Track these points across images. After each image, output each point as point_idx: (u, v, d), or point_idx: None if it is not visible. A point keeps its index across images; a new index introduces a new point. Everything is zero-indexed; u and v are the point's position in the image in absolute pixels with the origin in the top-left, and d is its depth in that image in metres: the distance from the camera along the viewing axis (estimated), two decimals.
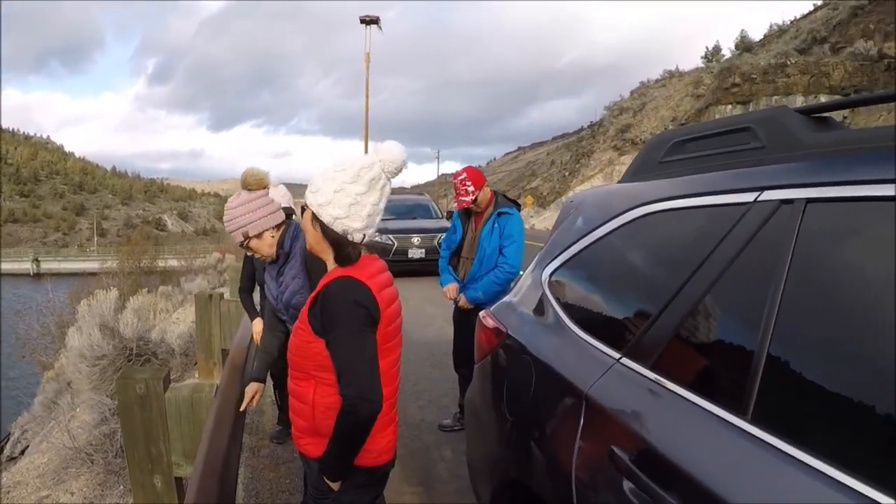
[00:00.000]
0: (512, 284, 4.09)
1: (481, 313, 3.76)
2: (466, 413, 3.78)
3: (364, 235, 2.80)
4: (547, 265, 3.22)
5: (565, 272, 3.11)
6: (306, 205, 2.87)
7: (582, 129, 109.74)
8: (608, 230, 2.84)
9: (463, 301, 6.12)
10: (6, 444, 11.29)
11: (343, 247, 2.80)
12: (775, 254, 1.84)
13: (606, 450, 2.14)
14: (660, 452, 1.93)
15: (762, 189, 2.03)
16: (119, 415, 3.69)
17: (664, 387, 2.08)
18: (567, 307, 2.96)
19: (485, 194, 5.99)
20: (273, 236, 4.07)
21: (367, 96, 47.71)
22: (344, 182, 2.75)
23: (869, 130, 1.87)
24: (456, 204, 6.11)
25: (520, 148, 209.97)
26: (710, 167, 2.42)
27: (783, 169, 2.02)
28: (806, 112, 2.20)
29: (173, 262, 44.43)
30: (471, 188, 5.88)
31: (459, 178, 5.96)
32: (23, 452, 9.94)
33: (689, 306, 2.12)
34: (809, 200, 1.81)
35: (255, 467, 5.84)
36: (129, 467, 3.51)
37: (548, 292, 3.13)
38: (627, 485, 1.99)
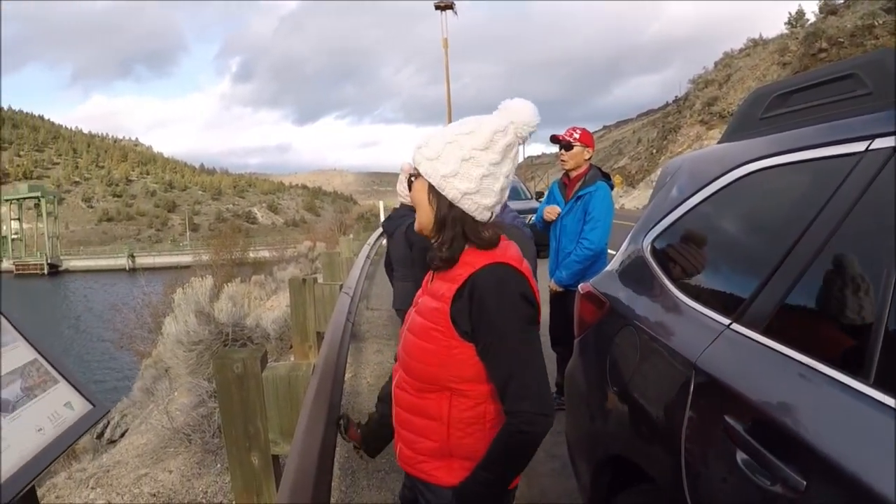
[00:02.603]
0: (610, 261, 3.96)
1: (581, 285, 3.65)
2: (567, 389, 3.67)
3: (492, 214, 2.29)
4: (648, 233, 3.11)
5: (667, 239, 2.99)
6: (418, 173, 2.33)
7: (667, 105, 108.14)
8: (709, 192, 2.73)
9: (552, 284, 6.06)
10: (107, 428, 11.62)
11: (473, 229, 2.26)
12: (891, 206, 1.72)
13: (719, 420, 2.04)
14: (777, 421, 1.82)
15: (872, 137, 1.91)
16: (217, 394, 3.72)
17: (779, 353, 1.96)
18: (671, 275, 2.84)
19: (582, 154, 5.82)
20: None
21: (447, 81, 47.76)
22: (474, 148, 2.22)
23: None
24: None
25: (605, 127, 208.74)
26: (814, 119, 2.30)
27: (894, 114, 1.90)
28: None
29: (265, 253, 45.14)
30: (577, 135, 5.78)
31: (571, 127, 5.87)
32: (122, 436, 10.20)
33: (802, 266, 2.01)
34: None
35: (351, 447, 5.87)
36: (227, 445, 3.55)
37: (651, 260, 3.02)
38: (741, 456, 1.89)
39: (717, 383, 2.15)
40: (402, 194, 5.47)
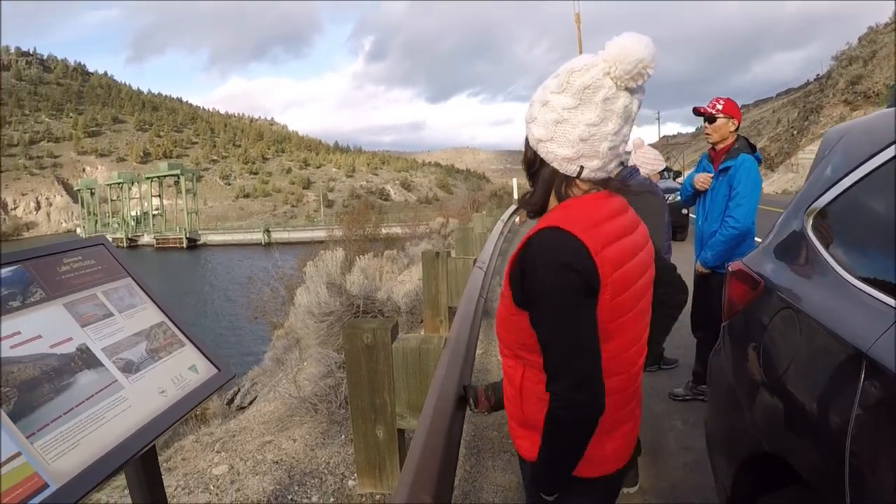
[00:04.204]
0: (757, 241, 3.70)
1: (731, 264, 3.40)
2: (711, 377, 3.42)
3: (581, 169, 2.01)
4: (808, 207, 2.83)
5: (833, 213, 2.71)
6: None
7: (808, 83, 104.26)
8: (882, 161, 2.44)
9: (698, 266, 5.82)
10: (237, 395, 11.97)
11: (560, 184, 2.09)
12: None
13: (893, 419, 1.81)
14: None
15: None
16: (345, 364, 3.71)
17: None
18: (837, 254, 2.55)
19: (726, 125, 5.53)
20: None
21: None
22: (552, 92, 2.01)
23: None
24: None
25: (743, 106, 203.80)
26: None
27: None
28: None
29: (397, 230, 45.70)
30: (720, 106, 5.51)
31: (715, 97, 5.62)
32: (251, 403, 10.46)
33: None
34: None
35: (479, 426, 5.85)
36: (352, 416, 3.56)
37: (812, 237, 2.75)
38: None
39: (891, 377, 1.89)
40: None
